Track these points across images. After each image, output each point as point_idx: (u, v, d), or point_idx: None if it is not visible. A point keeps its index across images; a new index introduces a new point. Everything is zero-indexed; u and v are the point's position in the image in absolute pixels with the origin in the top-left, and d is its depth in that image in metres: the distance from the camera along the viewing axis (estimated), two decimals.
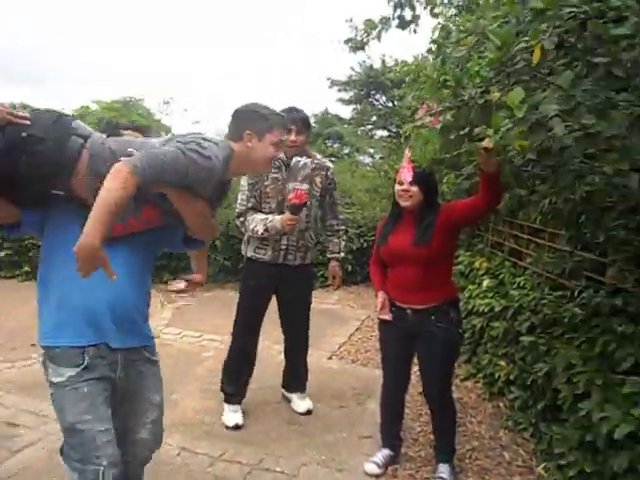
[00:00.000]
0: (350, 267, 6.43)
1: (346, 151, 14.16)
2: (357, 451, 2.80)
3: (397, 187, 2.43)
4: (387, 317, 2.48)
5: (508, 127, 1.64)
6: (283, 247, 2.98)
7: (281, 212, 2.91)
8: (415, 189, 2.37)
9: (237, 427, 3.00)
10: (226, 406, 3.13)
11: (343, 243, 3.31)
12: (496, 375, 3.23)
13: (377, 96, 18.81)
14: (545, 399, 2.67)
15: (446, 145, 2.48)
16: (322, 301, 5.76)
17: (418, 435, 3.00)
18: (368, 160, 9.04)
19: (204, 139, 1.63)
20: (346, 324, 5.02)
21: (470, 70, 2.54)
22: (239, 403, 3.15)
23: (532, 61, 1.54)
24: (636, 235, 2.40)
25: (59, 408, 1.66)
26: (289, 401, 3.35)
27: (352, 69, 18.49)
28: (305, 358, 3.37)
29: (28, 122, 1.54)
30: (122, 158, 1.51)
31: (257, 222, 2.92)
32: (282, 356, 3.42)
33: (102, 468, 1.59)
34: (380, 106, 18.45)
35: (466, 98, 2.42)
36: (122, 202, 1.46)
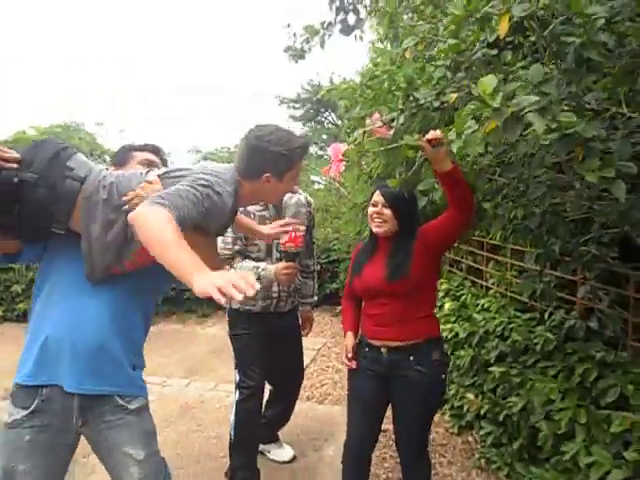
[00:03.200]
0: None
1: None
2: None
3: (370, 210, 2.12)
4: (353, 365, 2.13)
5: (473, 129, 1.38)
6: (274, 295, 2.58)
7: (270, 255, 2.55)
8: (389, 212, 2.06)
9: None
10: None
11: (316, 286, 2.97)
12: (464, 408, 2.94)
13: (326, 114, 18.80)
14: (521, 437, 2.39)
15: (395, 155, 2.23)
16: None
17: None
18: (317, 179, 8.75)
19: (209, 173, 1.50)
20: None
21: (423, 72, 2.29)
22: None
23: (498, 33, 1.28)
24: (609, 250, 2.17)
25: None
26: (261, 453, 2.89)
27: (302, 87, 18.47)
28: (294, 406, 2.95)
29: (15, 165, 1.40)
30: (143, 202, 1.37)
31: (246, 272, 2.42)
32: (231, 398, 3.01)
33: None
34: (330, 124, 18.42)
35: (421, 102, 2.17)
36: (175, 230, 1.31)
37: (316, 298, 2.97)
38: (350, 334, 2.18)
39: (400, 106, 2.15)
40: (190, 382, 4.00)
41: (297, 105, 19.11)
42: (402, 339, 2.03)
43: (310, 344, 4.91)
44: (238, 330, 2.64)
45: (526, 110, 1.28)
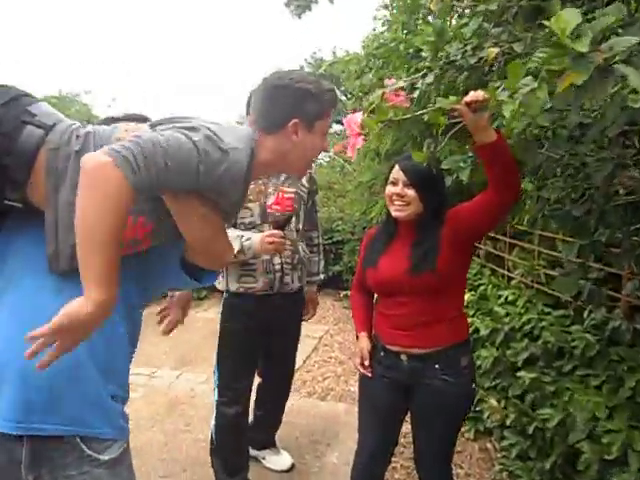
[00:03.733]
0: None
1: None
2: None
3: (389, 189, 1.76)
4: (368, 374, 1.80)
5: (532, 87, 1.05)
6: (277, 268, 2.23)
7: (266, 220, 2.20)
8: (412, 193, 1.70)
9: None
10: None
11: (323, 262, 2.60)
12: (484, 413, 2.63)
13: None
14: (555, 454, 2.08)
15: (416, 126, 1.88)
16: None
17: None
18: (321, 155, 8.36)
19: (215, 123, 1.14)
20: (301, 343, 4.32)
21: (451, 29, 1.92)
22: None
23: None
24: None
25: None
26: (255, 460, 2.57)
27: (305, 60, 17.90)
28: (284, 405, 2.66)
29: None
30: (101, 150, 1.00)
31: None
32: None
33: None
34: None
35: (453, 57, 1.81)
36: (118, 219, 0.99)
37: (322, 277, 2.62)
38: (364, 336, 1.84)
39: (427, 63, 1.78)
40: (181, 373, 3.69)
41: None
42: (426, 346, 1.70)
43: (310, 331, 4.60)
44: (233, 322, 2.29)
45: (617, 58, 0.93)
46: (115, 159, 0.97)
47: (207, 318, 5.01)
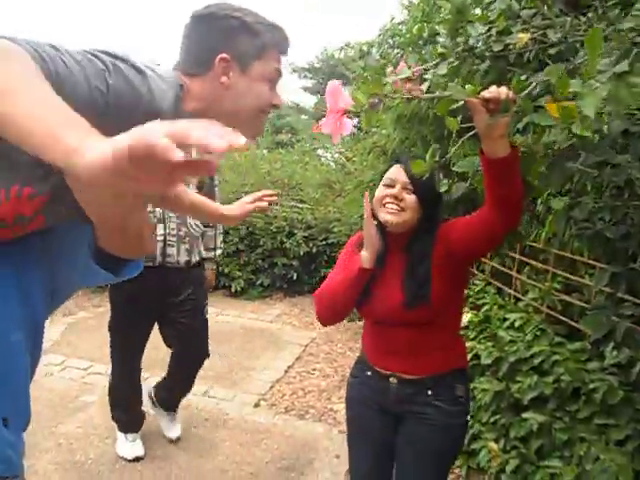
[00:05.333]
0: (296, 275, 5.46)
1: (299, 142, 13.10)
2: None
3: (381, 191, 1.49)
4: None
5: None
6: (160, 238, 2.25)
7: (163, 221, 2.32)
8: (412, 199, 1.45)
9: (137, 459, 2.45)
10: (121, 435, 2.52)
11: (221, 237, 2.70)
12: (481, 454, 2.31)
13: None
14: None
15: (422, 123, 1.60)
16: (258, 317, 4.77)
17: None
18: (322, 152, 8.04)
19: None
20: (283, 350, 4.03)
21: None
22: (136, 431, 2.54)
23: None
24: None
25: None
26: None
27: (316, 57, 17.61)
28: (195, 375, 2.62)
29: None
30: None
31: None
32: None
33: None
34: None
35: (473, 42, 1.52)
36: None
37: (220, 252, 2.73)
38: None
39: (441, 50, 1.47)
40: (147, 378, 3.37)
41: (309, 75, 18.20)
42: (419, 372, 1.49)
43: (295, 338, 4.30)
44: (117, 293, 2.34)
45: None
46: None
47: None
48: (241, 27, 0.97)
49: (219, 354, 3.80)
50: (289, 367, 3.72)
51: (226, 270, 5.30)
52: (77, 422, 2.75)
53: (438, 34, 2.10)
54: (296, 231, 5.49)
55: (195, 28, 0.99)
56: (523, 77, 1.62)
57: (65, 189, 0.79)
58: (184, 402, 3.03)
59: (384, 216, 1.46)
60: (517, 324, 2.47)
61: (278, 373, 3.59)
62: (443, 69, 1.36)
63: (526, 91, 1.18)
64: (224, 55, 0.95)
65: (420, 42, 2.49)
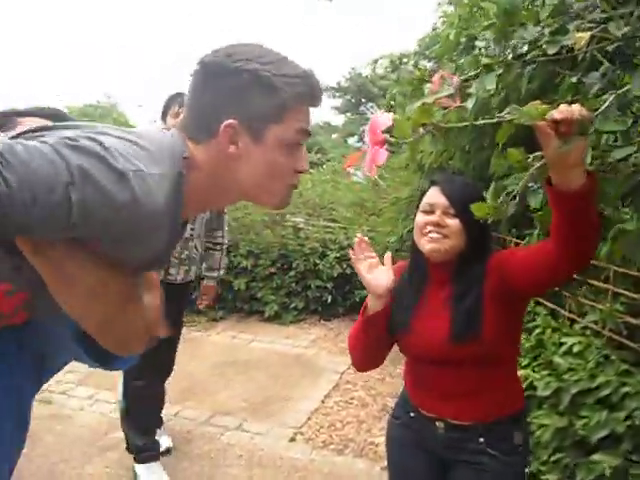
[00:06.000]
0: (330, 297, 5.28)
1: (329, 161, 13.05)
2: None
3: (420, 218, 1.35)
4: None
5: None
6: None
7: None
8: (455, 224, 1.31)
9: None
10: (141, 468, 2.44)
11: (225, 260, 2.85)
12: None
13: (368, 105, 17.95)
14: None
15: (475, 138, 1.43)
16: (293, 343, 4.61)
17: None
18: (352, 170, 7.89)
19: (115, 135, 0.71)
20: (319, 378, 3.85)
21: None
22: (158, 459, 2.49)
23: None
24: None
25: None
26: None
27: (343, 76, 17.72)
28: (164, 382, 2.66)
29: None
30: None
31: None
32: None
33: None
34: (371, 114, 17.60)
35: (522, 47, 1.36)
36: None
37: (222, 272, 2.86)
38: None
39: (485, 60, 1.30)
40: (180, 411, 3.24)
41: (337, 94, 18.27)
42: (469, 418, 1.32)
43: (332, 364, 4.11)
44: None
45: None
46: None
47: (221, 343, 4.57)
48: (255, 83, 0.78)
49: (254, 383, 3.66)
50: (326, 396, 3.53)
51: (259, 294, 5.17)
52: (101, 462, 2.62)
53: (476, 38, 1.93)
54: (329, 252, 5.34)
55: (200, 81, 0.82)
56: (574, 79, 1.45)
57: (44, 285, 0.69)
58: (217, 437, 2.89)
59: (426, 245, 1.32)
60: (576, 349, 2.23)
61: (315, 403, 3.41)
62: (491, 82, 1.18)
63: (600, 109, 1.00)
64: (230, 121, 0.78)
65: (455, 52, 2.34)
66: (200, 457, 2.69)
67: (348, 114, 17.96)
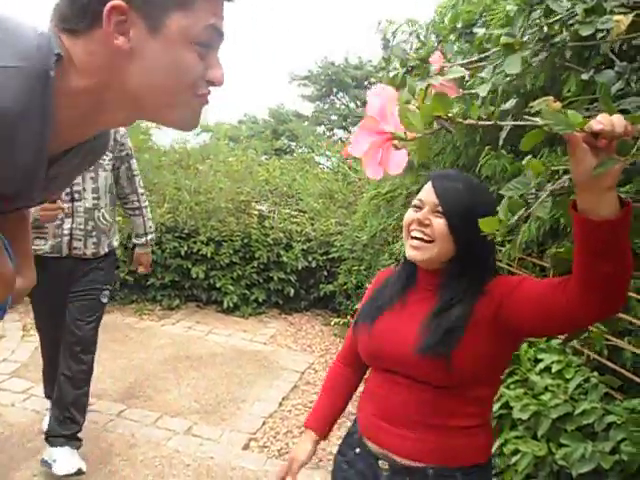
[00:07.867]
0: (292, 291, 5.08)
1: (299, 149, 12.73)
2: None
3: (409, 215, 1.19)
4: None
5: None
6: (66, 232, 2.32)
7: None
8: (440, 224, 1.13)
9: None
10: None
11: (150, 222, 2.69)
12: None
13: (339, 95, 17.69)
14: None
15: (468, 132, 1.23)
16: (252, 338, 4.38)
17: None
18: (323, 161, 7.70)
19: None
20: (278, 378, 3.65)
21: None
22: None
23: None
24: None
25: None
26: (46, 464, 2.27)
27: (316, 63, 17.35)
28: (88, 389, 2.44)
29: None
30: None
31: None
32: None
33: None
34: (342, 105, 17.36)
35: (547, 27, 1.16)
36: None
37: (151, 237, 2.71)
38: (309, 436, 1.36)
39: (505, 39, 1.09)
40: (124, 410, 2.98)
41: (308, 83, 17.93)
42: (420, 457, 1.12)
43: (291, 363, 3.92)
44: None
45: None
46: None
47: (173, 334, 4.30)
48: None
49: (207, 381, 3.43)
50: (284, 399, 3.34)
51: (218, 284, 4.92)
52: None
53: (474, 25, 1.74)
54: (294, 244, 5.13)
55: None
56: (584, 76, 1.28)
57: None
58: (163, 442, 2.66)
59: (408, 250, 1.16)
60: (554, 368, 2.11)
61: (271, 406, 3.21)
62: (515, 65, 0.98)
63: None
64: (117, 2, 0.58)
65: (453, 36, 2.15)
66: (145, 465, 2.46)
67: (317, 102, 17.66)
